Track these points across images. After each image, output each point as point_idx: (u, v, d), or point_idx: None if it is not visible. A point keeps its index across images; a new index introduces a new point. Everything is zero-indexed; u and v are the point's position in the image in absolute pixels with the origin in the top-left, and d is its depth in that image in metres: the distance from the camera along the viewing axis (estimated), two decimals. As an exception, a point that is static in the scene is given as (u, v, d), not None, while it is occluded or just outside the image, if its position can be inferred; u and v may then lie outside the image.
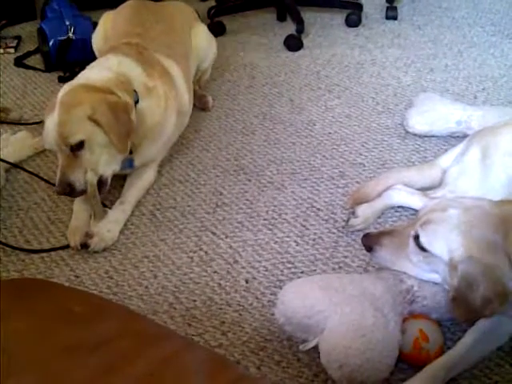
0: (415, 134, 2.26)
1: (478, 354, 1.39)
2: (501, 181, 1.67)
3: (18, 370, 0.86)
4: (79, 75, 1.97)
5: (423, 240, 1.36)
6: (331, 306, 1.34)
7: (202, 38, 2.48)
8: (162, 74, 2.06)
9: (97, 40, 2.45)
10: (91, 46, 2.51)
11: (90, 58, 2.30)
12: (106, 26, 2.40)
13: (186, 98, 2.20)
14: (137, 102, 1.92)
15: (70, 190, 1.78)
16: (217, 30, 3.04)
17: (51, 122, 1.77)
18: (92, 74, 1.92)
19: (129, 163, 1.97)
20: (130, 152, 1.92)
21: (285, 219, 1.90)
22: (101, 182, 1.84)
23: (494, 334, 1.40)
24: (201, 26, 2.53)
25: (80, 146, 1.76)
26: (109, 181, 1.86)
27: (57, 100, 1.81)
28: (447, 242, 1.31)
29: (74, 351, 0.90)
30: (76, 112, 1.77)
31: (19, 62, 2.94)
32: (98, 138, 1.79)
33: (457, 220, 1.33)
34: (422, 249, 1.37)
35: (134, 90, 1.93)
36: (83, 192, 1.80)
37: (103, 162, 1.82)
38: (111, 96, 1.82)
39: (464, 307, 1.29)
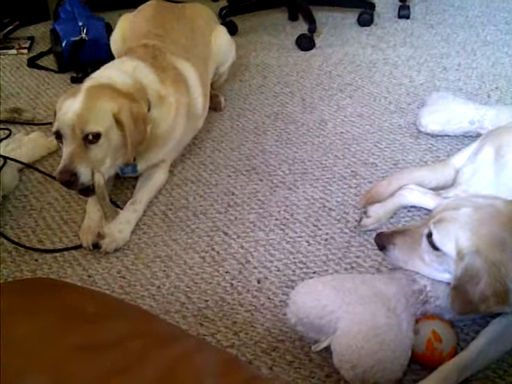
0: (428, 134, 2.25)
1: (491, 355, 1.38)
2: (514, 180, 1.66)
3: (31, 369, 0.87)
4: (99, 73, 1.96)
5: (435, 238, 1.36)
6: (343, 307, 1.34)
7: (222, 41, 2.47)
8: (176, 79, 2.05)
9: (115, 42, 2.44)
10: (104, 47, 2.51)
11: (103, 58, 2.30)
12: (124, 28, 2.40)
13: (200, 102, 2.18)
14: (148, 110, 1.92)
15: (72, 181, 1.72)
16: (229, 29, 3.01)
17: (72, 104, 1.76)
18: (113, 76, 1.91)
19: (132, 168, 1.97)
20: (133, 158, 1.91)
21: (297, 219, 1.90)
22: None
23: (507, 334, 1.39)
24: (221, 28, 2.53)
25: (95, 138, 1.75)
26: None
27: (82, 88, 1.81)
28: (457, 239, 1.31)
29: (87, 351, 0.90)
30: (104, 104, 1.78)
31: (32, 63, 2.96)
32: (113, 138, 1.79)
33: (468, 218, 1.33)
34: (435, 247, 1.37)
35: (148, 99, 1.93)
36: (83, 186, 1.76)
37: (108, 163, 1.82)
38: (135, 104, 1.84)
39: (461, 299, 1.30)
